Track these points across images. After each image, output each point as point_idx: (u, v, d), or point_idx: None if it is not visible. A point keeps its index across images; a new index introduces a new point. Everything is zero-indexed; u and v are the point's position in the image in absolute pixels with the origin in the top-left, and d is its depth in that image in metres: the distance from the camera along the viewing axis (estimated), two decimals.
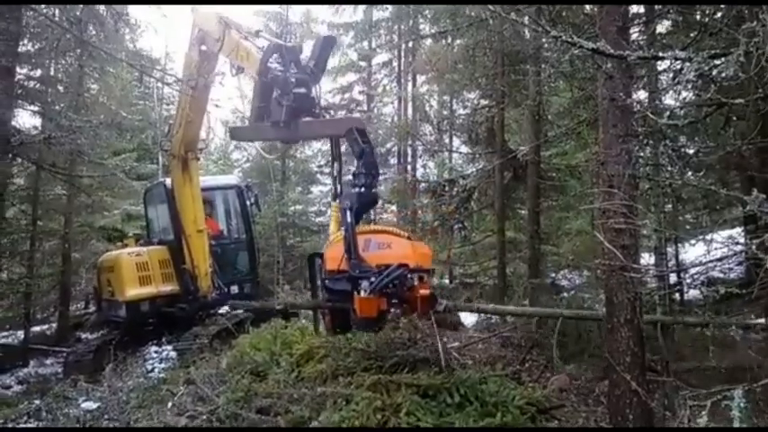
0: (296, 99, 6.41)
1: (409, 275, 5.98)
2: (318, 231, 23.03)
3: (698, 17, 6.88)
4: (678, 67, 2.78)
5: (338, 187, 6.94)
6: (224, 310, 11.88)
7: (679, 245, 12.69)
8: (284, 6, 23.20)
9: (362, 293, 5.88)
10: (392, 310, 6.60)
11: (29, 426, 7.72)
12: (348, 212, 6.19)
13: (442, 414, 5.56)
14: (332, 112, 7.21)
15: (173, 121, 11.18)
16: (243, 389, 6.57)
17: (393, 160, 23.85)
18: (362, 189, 6.18)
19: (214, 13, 8.56)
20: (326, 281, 6.60)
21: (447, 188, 12.72)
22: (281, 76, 6.61)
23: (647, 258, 10.98)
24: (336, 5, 20.86)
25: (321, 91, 7.12)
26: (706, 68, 2.74)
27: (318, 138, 6.55)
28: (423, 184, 15.44)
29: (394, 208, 23.47)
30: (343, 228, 6.33)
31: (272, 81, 6.70)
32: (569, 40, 2.67)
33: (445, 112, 20.28)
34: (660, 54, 2.78)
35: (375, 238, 6.38)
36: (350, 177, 6.60)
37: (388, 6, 21.63)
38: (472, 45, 10.69)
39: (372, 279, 5.84)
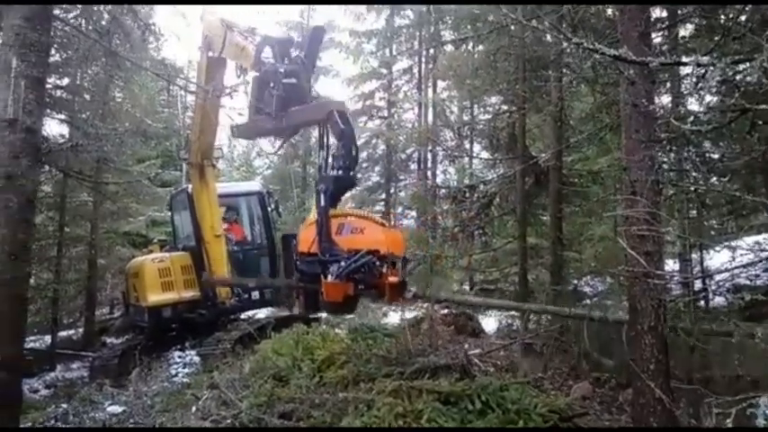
0: (285, 89, 6.45)
1: (378, 262, 5.95)
2: None
3: (721, 21, 6.80)
4: (701, 72, 2.76)
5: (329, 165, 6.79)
6: (245, 315, 12.01)
7: (704, 251, 12.49)
8: (305, 16, 23.44)
9: (329, 278, 5.91)
10: (360, 295, 6.53)
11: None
12: (323, 196, 6.21)
13: (464, 421, 5.54)
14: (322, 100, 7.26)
15: (190, 130, 11.41)
16: (265, 393, 6.62)
17: (413, 166, 23.89)
18: (340, 172, 6.19)
19: (219, 18, 8.77)
20: (298, 262, 6.62)
21: (467, 194, 12.66)
22: (271, 67, 6.69)
23: (671, 265, 10.82)
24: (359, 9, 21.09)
25: (314, 81, 7.16)
26: (730, 74, 2.72)
27: (306, 125, 6.58)
28: (443, 190, 15.41)
29: (413, 213, 23.52)
30: (316, 210, 6.37)
31: (264, 74, 6.79)
32: (591, 46, 2.67)
33: (466, 118, 20.28)
34: (683, 60, 2.76)
35: (349, 223, 6.33)
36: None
37: (410, 13, 21.75)
38: (493, 51, 10.67)
39: (342, 264, 5.87)
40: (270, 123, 6.88)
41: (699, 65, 2.68)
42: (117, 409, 8.10)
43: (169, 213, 14.53)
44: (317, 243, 6.18)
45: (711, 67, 2.74)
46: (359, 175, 24.55)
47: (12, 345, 4.78)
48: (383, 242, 6.09)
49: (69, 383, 11.07)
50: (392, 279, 6.02)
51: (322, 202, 6.23)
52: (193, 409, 6.85)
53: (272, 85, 6.66)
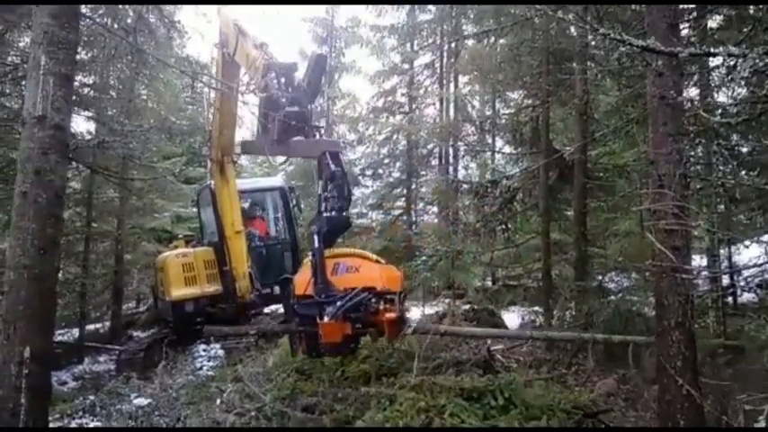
0: (288, 116, 6.52)
1: (373, 299, 5.96)
2: (360, 233, 23.16)
3: (751, 11, 6.64)
4: (731, 63, 2.69)
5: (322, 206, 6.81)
6: (268, 309, 12.10)
7: (732, 246, 12.25)
8: (330, 12, 23.50)
9: (326, 318, 5.92)
10: (360, 335, 6.51)
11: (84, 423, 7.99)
12: (316, 237, 6.27)
13: (486, 416, 5.53)
14: (322, 130, 7.31)
15: (211, 127, 11.53)
16: (289, 387, 6.68)
17: (435, 161, 23.78)
18: (332, 213, 6.24)
19: (232, 17, 8.80)
20: (295, 305, 6.59)
21: (489, 189, 12.58)
22: (273, 94, 6.77)
23: (698, 260, 10.64)
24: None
25: (317, 109, 7.26)
26: (761, 65, 2.65)
27: (301, 156, 6.62)
28: (465, 186, 15.34)
29: (435, 209, 23.44)
30: (310, 252, 6.44)
31: (268, 99, 6.88)
32: (618, 37, 2.62)
33: (488, 112, 20.12)
34: (712, 50, 2.69)
35: (344, 262, 6.34)
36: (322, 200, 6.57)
37: (432, 8, 21.63)
38: (516, 44, 10.55)
39: (338, 303, 5.89)
40: (272, 148, 6.97)
41: (729, 55, 2.61)
42: (143, 401, 8.23)
43: (195, 209, 14.71)
44: (312, 285, 6.21)
45: (742, 59, 2.67)
46: (381, 171, 24.61)
47: (41, 338, 4.86)
48: (379, 279, 6.13)
49: (96, 376, 11.27)
50: (389, 315, 5.99)
51: (316, 243, 6.28)
52: (218, 401, 6.93)
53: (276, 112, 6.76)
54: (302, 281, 6.40)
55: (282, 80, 6.83)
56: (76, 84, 12.30)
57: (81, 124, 13.62)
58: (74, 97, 11.24)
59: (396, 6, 21.81)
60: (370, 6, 22.22)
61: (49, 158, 4.90)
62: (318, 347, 6.66)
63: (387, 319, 5.97)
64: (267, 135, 6.85)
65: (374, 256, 6.57)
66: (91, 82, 13.38)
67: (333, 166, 6.13)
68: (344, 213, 6.39)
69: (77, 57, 11.09)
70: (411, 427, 4.95)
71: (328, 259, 6.29)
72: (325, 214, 6.32)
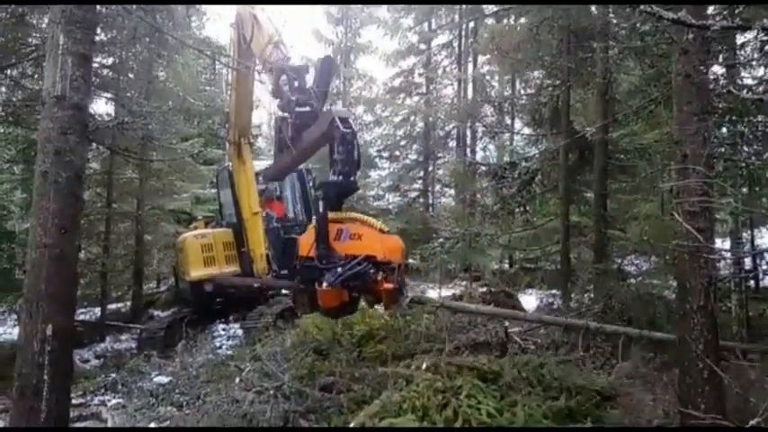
0: (299, 116, 6.60)
1: (372, 269, 5.96)
2: (377, 215, 23.14)
3: None
4: (765, 38, 2.59)
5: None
6: (286, 291, 12.15)
7: (755, 229, 12.05)
8: None
9: (324, 285, 5.98)
10: (357, 300, 6.60)
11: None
12: (321, 202, 6.38)
13: (504, 397, 5.52)
14: None
15: (228, 109, 11.54)
16: (306, 366, 6.73)
17: (452, 143, 23.63)
18: (340, 177, 6.19)
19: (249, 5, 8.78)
20: (298, 265, 6.67)
21: (508, 171, 12.46)
22: (284, 96, 6.88)
23: (719, 244, 10.48)
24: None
25: (333, 90, 7.36)
26: None
27: (317, 143, 6.68)
28: (483, 167, 15.22)
29: (452, 191, 23.34)
30: (315, 216, 6.48)
31: (281, 108, 7.01)
32: (648, 9, 2.53)
33: (507, 93, 19.89)
34: (746, 24, 2.59)
35: (347, 228, 6.33)
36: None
37: None
38: (537, 23, 10.37)
39: (338, 270, 5.93)
40: (289, 157, 7.03)
41: (763, 29, 2.51)
42: (163, 379, 8.36)
43: (214, 190, 14.78)
44: (314, 249, 6.28)
45: None
46: (398, 153, 24.51)
47: (63, 316, 4.93)
48: (380, 249, 6.10)
49: (118, 354, 11.45)
50: (387, 286, 5.98)
51: (320, 208, 6.37)
52: (237, 380, 7.01)
53: (287, 115, 6.86)
54: (306, 242, 6.46)
55: (295, 83, 6.92)
56: (96, 65, 12.36)
57: (101, 106, 13.71)
58: (93, 78, 11.30)
59: None
60: None
61: (69, 138, 4.92)
62: (316, 307, 6.77)
63: (384, 289, 5.97)
64: (287, 151, 6.95)
65: (378, 224, 6.53)
66: (110, 63, 13.43)
67: (342, 128, 6.06)
68: (352, 178, 6.34)
69: (96, 38, 11.15)
70: (412, 427, 4.90)
71: (333, 224, 6.32)
72: (332, 178, 6.27)
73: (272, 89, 7.28)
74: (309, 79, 7.05)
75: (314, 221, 6.74)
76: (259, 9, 8.64)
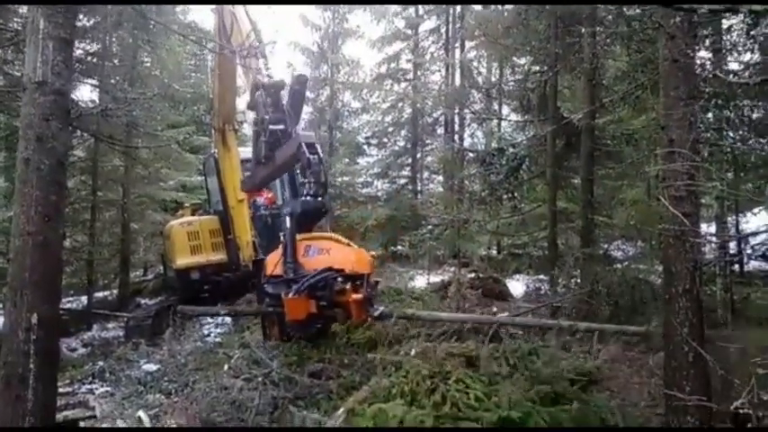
0: (273, 135, 6.77)
1: (339, 278, 6.11)
2: (365, 202, 23.12)
3: None
4: (752, 21, 2.59)
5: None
6: None
7: (740, 215, 12.17)
8: None
9: (290, 294, 6.11)
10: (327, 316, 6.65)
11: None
12: (288, 218, 6.53)
13: (492, 382, 5.56)
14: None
15: (212, 95, 11.45)
16: (296, 353, 6.73)
17: (440, 130, 23.56)
18: (307, 198, 6.48)
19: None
20: (264, 285, 6.80)
21: (496, 157, 12.48)
22: (259, 113, 7.08)
23: (705, 229, 10.58)
24: None
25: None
26: None
27: (287, 164, 6.87)
28: (471, 154, 15.23)
29: (440, 178, 23.33)
30: (282, 234, 6.68)
31: (256, 125, 7.24)
32: None
33: (495, 79, 19.84)
34: (733, 7, 2.59)
35: (315, 245, 6.56)
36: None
37: None
38: (524, 8, 10.34)
39: (303, 279, 6.13)
40: (266, 171, 7.26)
41: (751, 12, 2.51)
42: (152, 367, 8.32)
43: (201, 178, 14.67)
44: (281, 264, 6.47)
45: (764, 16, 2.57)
46: (386, 140, 24.43)
47: (48, 304, 4.86)
48: (348, 261, 6.30)
49: (105, 342, 11.40)
50: (356, 297, 6.10)
51: (287, 225, 6.52)
52: (225, 367, 7.00)
53: (261, 134, 7.05)
54: (273, 260, 6.64)
55: (269, 101, 7.05)
56: (79, 51, 12.18)
57: (85, 92, 13.51)
58: (76, 65, 11.13)
59: None
60: None
61: (51, 125, 4.83)
62: (286, 331, 7.03)
63: (353, 300, 6.09)
64: (263, 166, 7.22)
65: (345, 240, 6.78)
66: (93, 49, 13.23)
67: (308, 155, 6.25)
68: (320, 199, 6.58)
69: (79, 23, 10.97)
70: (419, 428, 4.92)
71: (301, 242, 6.53)
72: (300, 199, 6.69)
73: (248, 103, 7.53)
74: (285, 95, 7.19)
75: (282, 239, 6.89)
76: (240, 7, 8.62)
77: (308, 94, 22.88)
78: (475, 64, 22.17)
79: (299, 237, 6.57)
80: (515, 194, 12.89)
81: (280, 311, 6.66)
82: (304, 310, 6.28)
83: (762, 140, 9.43)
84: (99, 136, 12.22)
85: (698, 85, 4.65)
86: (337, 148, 23.09)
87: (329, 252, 6.48)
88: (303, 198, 6.56)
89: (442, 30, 23.01)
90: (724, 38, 7.35)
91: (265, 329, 8.00)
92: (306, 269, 6.35)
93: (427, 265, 15.74)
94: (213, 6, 9.59)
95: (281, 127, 6.80)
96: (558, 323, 7.46)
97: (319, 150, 6.54)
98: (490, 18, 12.75)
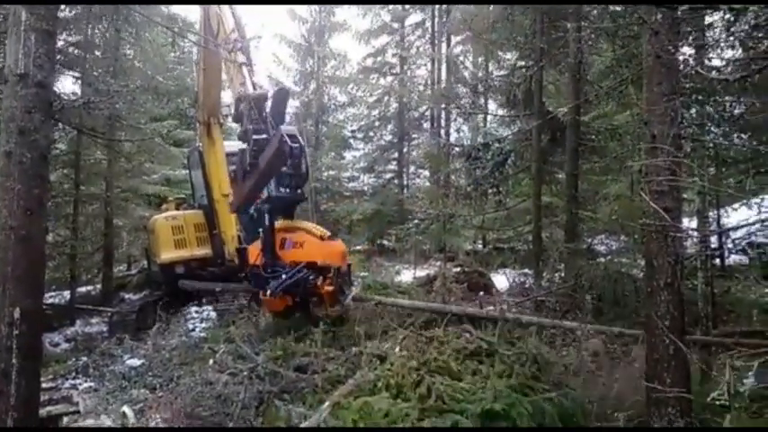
0: (256, 143, 6.98)
1: (312, 276, 6.63)
2: (352, 197, 23.11)
3: None
4: (732, 18, 2.63)
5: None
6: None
7: (721, 210, 12.33)
8: None
9: (267, 294, 6.65)
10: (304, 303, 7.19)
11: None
12: (267, 215, 6.94)
13: (476, 372, 5.61)
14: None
15: (197, 89, 11.38)
16: (281, 347, 6.73)
17: (426, 124, 23.59)
18: (287, 190, 6.83)
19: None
20: (248, 273, 7.39)
21: (481, 152, 12.53)
22: (242, 127, 7.30)
23: (687, 224, 10.71)
24: None
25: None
26: (763, 19, 2.60)
27: (272, 165, 6.99)
28: (457, 149, 15.26)
29: (426, 172, 23.36)
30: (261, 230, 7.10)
31: (239, 130, 7.45)
32: None
33: (481, 74, 19.87)
34: (713, 5, 2.63)
35: (290, 238, 6.98)
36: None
37: None
38: (510, 3, 10.37)
39: (280, 279, 6.61)
40: (251, 182, 7.35)
41: (731, 8, 2.55)
42: (136, 362, 8.27)
43: (185, 172, 14.56)
44: (261, 258, 6.95)
45: (743, 13, 2.62)
46: (372, 134, 24.38)
47: (31, 299, 4.82)
48: (320, 254, 6.77)
49: (89, 337, 11.28)
50: (328, 288, 6.64)
51: (266, 221, 6.90)
52: (210, 361, 6.98)
53: (245, 146, 7.29)
54: (254, 252, 7.13)
55: (253, 113, 7.19)
56: (61, 43, 12.00)
57: (67, 85, 13.31)
58: (58, 57, 10.94)
59: None
60: None
61: (33, 117, 4.78)
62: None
63: (325, 292, 6.61)
64: (248, 176, 7.35)
65: (320, 231, 7.12)
66: (75, 41, 13.03)
67: (290, 143, 6.40)
68: (299, 190, 6.91)
69: (61, 14, 10.80)
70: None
71: (278, 234, 6.92)
72: (278, 192, 6.94)
73: (233, 114, 7.78)
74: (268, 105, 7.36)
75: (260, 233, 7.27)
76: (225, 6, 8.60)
77: (294, 87, 22.89)
78: (461, 58, 22.20)
79: (277, 226, 6.96)
80: (501, 189, 12.97)
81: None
82: (281, 304, 6.93)
83: (743, 136, 9.57)
84: (82, 129, 12.06)
85: (680, 80, 4.69)
86: (323, 142, 23.03)
87: (302, 245, 6.89)
88: (283, 190, 6.87)
89: (428, 24, 23.01)
90: (707, 34, 7.43)
91: (250, 304, 8.40)
92: (282, 261, 6.84)
93: (413, 260, 15.79)
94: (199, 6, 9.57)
95: (264, 136, 6.97)
96: (503, 316, 7.55)
97: (301, 140, 6.67)
98: (476, 13, 12.77)
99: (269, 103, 7.31)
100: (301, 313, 7.39)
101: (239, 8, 8.62)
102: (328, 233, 7.28)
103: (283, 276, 6.66)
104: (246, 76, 7.64)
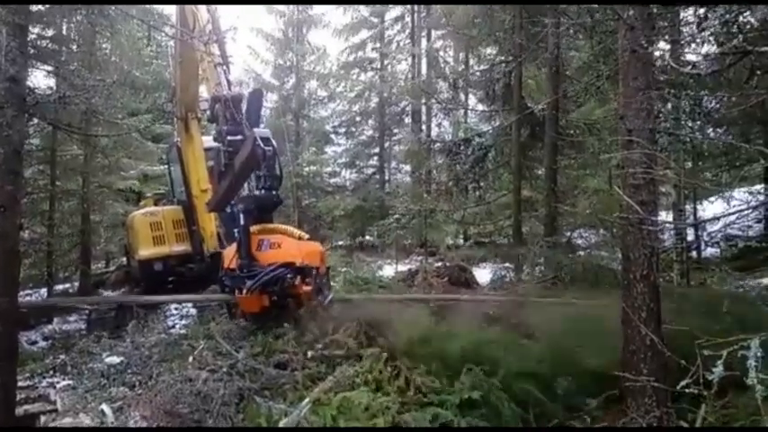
0: (231, 144, 7.01)
1: (290, 275, 6.55)
2: (333, 192, 23.07)
3: None
4: (704, 13, 2.67)
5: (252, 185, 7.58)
6: None
7: (697, 203, 12.54)
8: None
9: (243, 292, 6.59)
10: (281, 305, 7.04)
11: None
12: (242, 215, 6.87)
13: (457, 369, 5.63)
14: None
15: (174, 83, 11.26)
16: (261, 344, 6.71)
17: (407, 119, 23.61)
18: (262, 191, 6.82)
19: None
20: (223, 277, 7.29)
21: (462, 147, 12.59)
22: (218, 127, 7.34)
23: (664, 217, 10.88)
24: None
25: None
26: (732, 16, 2.64)
27: (246, 166, 7.00)
28: (437, 144, 15.31)
29: (407, 168, 23.40)
30: (236, 229, 7.05)
31: (215, 131, 7.51)
32: None
33: (461, 69, 19.93)
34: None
35: (268, 239, 6.89)
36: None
37: None
38: (489, 3, 10.42)
39: (255, 278, 6.53)
40: (227, 183, 7.35)
41: (702, 4, 2.59)
42: (115, 359, 8.15)
43: (163, 167, 14.40)
44: (236, 259, 6.85)
45: (713, 10, 2.66)
46: (353, 129, 24.36)
47: (6, 297, 4.77)
48: (298, 255, 6.68)
49: (67, 335, 11.09)
50: (306, 289, 6.59)
51: (242, 221, 6.82)
52: (190, 359, 6.92)
53: (220, 146, 7.28)
54: (229, 254, 7.05)
55: (228, 114, 7.23)
56: (34, 36, 11.76)
57: (41, 79, 13.05)
58: (31, 50, 10.74)
59: None
60: None
61: (6, 113, 4.71)
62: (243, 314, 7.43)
63: (303, 292, 6.56)
64: (223, 177, 7.35)
65: (297, 233, 7.11)
66: (49, 34, 12.79)
67: (263, 146, 6.39)
68: (274, 192, 6.89)
69: (33, 7, 10.59)
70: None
71: (255, 235, 6.83)
72: (254, 192, 6.89)
73: (209, 115, 7.81)
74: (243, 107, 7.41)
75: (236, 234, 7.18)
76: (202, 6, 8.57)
77: (273, 81, 22.75)
78: (441, 54, 22.25)
79: (253, 229, 6.86)
80: (481, 184, 13.04)
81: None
82: (257, 304, 6.82)
83: (719, 130, 9.73)
84: (57, 124, 11.82)
85: (656, 75, 4.75)
86: (304, 137, 22.93)
87: (280, 246, 6.79)
88: (257, 192, 6.83)
89: (408, 19, 22.99)
90: (683, 30, 7.54)
91: (231, 311, 8.28)
92: (259, 263, 6.72)
93: (395, 255, 15.83)
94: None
95: (239, 137, 6.96)
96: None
97: (274, 143, 6.68)
98: (455, 7, 12.79)
99: (244, 104, 7.31)
100: (279, 313, 7.27)
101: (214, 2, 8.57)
102: (306, 235, 7.28)
103: (256, 278, 6.61)
104: (222, 76, 7.60)
